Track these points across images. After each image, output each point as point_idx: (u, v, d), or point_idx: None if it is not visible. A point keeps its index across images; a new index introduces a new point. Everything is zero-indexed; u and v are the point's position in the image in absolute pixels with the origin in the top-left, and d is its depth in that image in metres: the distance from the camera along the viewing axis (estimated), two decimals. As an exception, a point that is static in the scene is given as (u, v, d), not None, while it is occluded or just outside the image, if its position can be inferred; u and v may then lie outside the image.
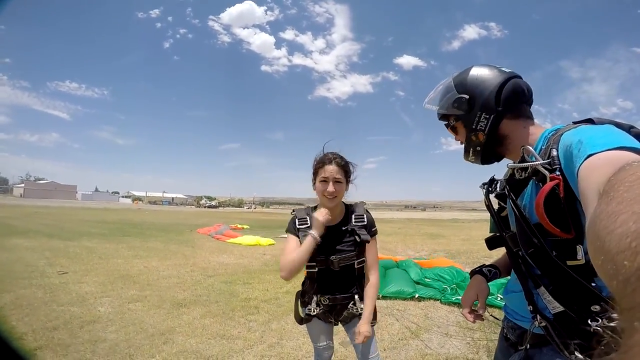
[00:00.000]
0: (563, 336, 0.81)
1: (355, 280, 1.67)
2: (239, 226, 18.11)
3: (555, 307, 0.82)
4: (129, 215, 25.26)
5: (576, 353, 0.78)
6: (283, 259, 1.57)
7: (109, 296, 4.44)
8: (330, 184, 1.57)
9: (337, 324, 1.77)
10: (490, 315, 3.63)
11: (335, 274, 1.64)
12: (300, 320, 1.75)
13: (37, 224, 14.00)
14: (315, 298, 1.67)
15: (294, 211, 1.75)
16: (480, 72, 1.01)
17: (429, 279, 5.04)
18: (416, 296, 4.51)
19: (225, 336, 3.30)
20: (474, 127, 1.00)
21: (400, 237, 14.13)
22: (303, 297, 1.74)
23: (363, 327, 1.57)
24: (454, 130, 1.10)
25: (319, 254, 1.60)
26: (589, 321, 0.75)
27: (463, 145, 1.08)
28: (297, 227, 1.64)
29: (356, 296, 1.66)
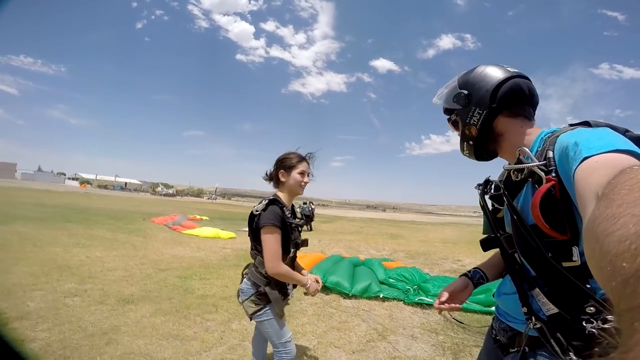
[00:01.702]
0: (558, 338, 0.81)
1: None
2: (198, 217, 17.32)
3: (549, 308, 0.83)
4: (74, 199, 23.22)
5: (571, 355, 0.78)
6: (273, 256, 1.70)
7: (42, 289, 3.91)
8: (306, 175, 1.90)
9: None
10: (453, 318, 3.62)
11: (293, 260, 1.93)
12: (282, 315, 1.85)
13: (-40, 203, 12.29)
14: (290, 286, 1.91)
15: (274, 202, 1.78)
16: (483, 70, 1.02)
17: (392, 279, 5.07)
18: (381, 296, 4.49)
19: (179, 337, 3.00)
20: (467, 121, 1.03)
21: (362, 236, 14.34)
22: (286, 287, 1.88)
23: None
24: (455, 125, 1.11)
25: (296, 240, 1.87)
26: (583, 323, 0.75)
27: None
28: (287, 215, 1.80)
29: None
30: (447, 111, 1.13)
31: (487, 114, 0.98)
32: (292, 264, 1.92)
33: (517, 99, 0.98)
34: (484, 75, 1.00)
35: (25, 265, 4.86)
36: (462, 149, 1.10)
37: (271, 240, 1.68)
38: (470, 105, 1.01)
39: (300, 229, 1.92)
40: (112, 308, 3.54)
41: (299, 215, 2.02)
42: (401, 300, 4.44)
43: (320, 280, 1.99)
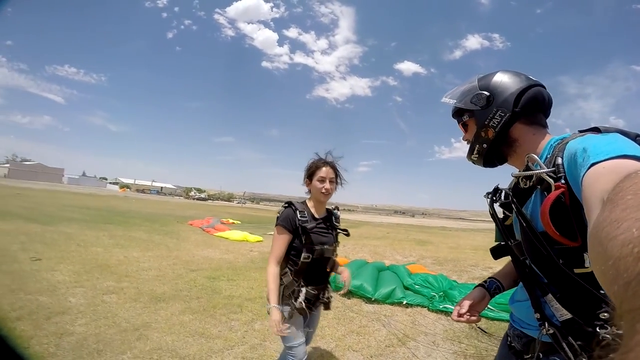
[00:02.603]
0: (571, 343, 0.80)
1: (328, 271, 1.92)
2: (230, 221, 17.81)
3: (563, 314, 0.83)
4: (115, 202, 24.66)
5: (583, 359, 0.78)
6: (272, 255, 1.78)
7: (83, 286, 4.20)
8: (327, 182, 1.84)
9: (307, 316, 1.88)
10: (478, 327, 3.51)
11: (320, 265, 1.83)
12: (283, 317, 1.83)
13: (17, 206, 13.46)
14: (304, 290, 1.78)
15: (289, 205, 1.83)
16: (506, 75, 1.02)
17: (417, 285, 4.95)
18: (404, 302, 4.41)
19: (204, 335, 3.12)
20: (486, 122, 1.00)
21: (389, 241, 14.08)
22: (289, 291, 1.78)
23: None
24: (464, 127, 1.10)
25: (315, 244, 1.77)
26: (597, 329, 0.74)
27: (469, 143, 1.08)
28: (299, 218, 1.77)
29: (329, 285, 1.96)
30: (459, 112, 1.11)
31: (509, 118, 0.97)
32: (316, 269, 1.83)
33: (537, 107, 0.98)
34: (508, 79, 1.00)
35: (69, 264, 5.23)
36: (471, 152, 1.08)
37: (275, 240, 1.78)
38: (491, 106, 1.00)
39: (328, 234, 1.86)
40: (145, 305, 3.75)
41: (334, 223, 1.93)
42: (425, 307, 4.33)
43: (346, 283, 1.98)
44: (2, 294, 3.63)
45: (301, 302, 1.75)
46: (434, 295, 4.53)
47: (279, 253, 1.76)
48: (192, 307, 3.82)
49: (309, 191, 1.91)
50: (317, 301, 1.88)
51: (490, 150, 1.03)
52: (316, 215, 1.86)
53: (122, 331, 3.04)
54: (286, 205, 1.84)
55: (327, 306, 1.94)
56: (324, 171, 1.84)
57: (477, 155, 1.07)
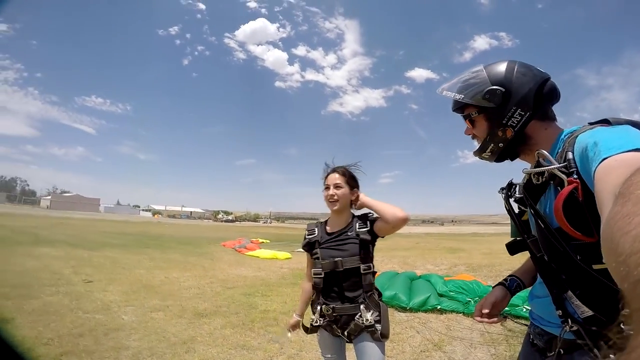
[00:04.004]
0: (596, 340, 0.77)
1: (361, 289, 1.62)
2: (260, 240, 18.18)
3: (584, 311, 0.80)
4: (149, 228, 25.82)
5: (611, 356, 0.77)
6: (305, 277, 1.86)
7: (132, 305, 4.53)
8: (331, 188, 1.70)
9: (348, 340, 1.66)
10: (515, 321, 3.42)
11: (341, 280, 1.62)
12: (306, 330, 1.78)
13: (62, 234, 14.47)
14: (319, 308, 1.66)
15: (308, 224, 1.89)
16: (518, 68, 0.96)
17: (452, 292, 4.90)
18: (438, 308, 4.39)
19: (245, 347, 3.29)
20: (504, 122, 0.95)
21: (419, 251, 13.84)
22: (312, 305, 1.75)
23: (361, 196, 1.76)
24: (471, 122, 1.04)
25: (324, 257, 1.65)
26: (621, 325, 0.74)
27: (480, 140, 1.03)
28: (306, 237, 1.78)
29: (362, 306, 1.58)
30: (464, 108, 1.05)
31: (528, 117, 0.93)
32: (334, 284, 1.65)
33: (551, 101, 0.97)
34: (522, 74, 0.95)
35: (118, 285, 5.64)
36: (482, 150, 1.03)
37: (307, 260, 1.83)
38: (508, 104, 0.94)
39: (343, 246, 1.65)
40: (189, 321, 3.99)
41: (357, 229, 1.66)
42: (460, 313, 4.30)
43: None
44: (63, 313, 3.99)
45: (317, 320, 1.67)
46: (469, 301, 4.48)
47: (307, 271, 1.82)
48: (232, 322, 4.02)
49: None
50: (345, 323, 1.61)
51: (506, 149, 0.99)
52: (329, 229, 1.75)
53: (172, 345, 3.26)
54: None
55: (373, 334, 1.57)
56: (329, 178, 1.76)
57: (489, 154, 1.02)
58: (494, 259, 10.26)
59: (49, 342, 3.11)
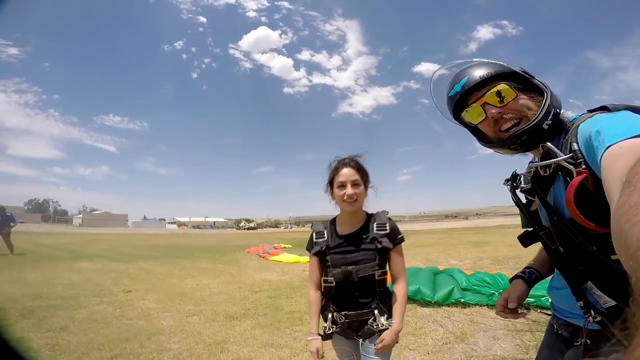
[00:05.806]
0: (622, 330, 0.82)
1: (374, 294, 1.54)
2: (282, 246, 18.50)
3: (606, 301, 0.78)
4: (177, 239, 26.64)
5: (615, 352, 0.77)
6: (309, 280, 1.67)
7: (170, 311, 4.85)
8: (349, 186, 1.50)
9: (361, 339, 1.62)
10: (540, 312, 3.33)
11: (354, 287, 1.52)
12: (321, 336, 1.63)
13: (97, 249, 15.30)
14: (330, 315, 1.56)
15: (312, 225, 1.69)
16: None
17: (475, 285, 4.93)
18: (462, 301, 4.45)
19: (274, 345, 3.51)
20: (554, 110, 0.89)
21: (442, 247, 13.66)
22: (323, 312, 1.63)
23: (389, 335, 1.47)
24: (500, 97, 0.90)
25: (335, 265, 1.53)
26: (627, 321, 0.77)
27: (518, 117, 0.91)
28: (314, 241, 1.61)
29: (376, 311, 1.52)
30: (488, 80, 0.92)
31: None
32: (347, 293, 1.55)
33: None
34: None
35: (154, 293, 6.02)
36: (525, 133, 0.89)
37: (309, 263, 1.67)
38: (547, 92, 0.91)
39: (359, 251, 1.54)
40: (222, 324, 4.26)
41: (374, 232, 1.54)
42: (484, 306, 4.34)
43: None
44: (110, 320, 4.35)
45: (329, 327, 1.58)
46: (493, 293, 4.50)
47: (312, 277, 1.64)
48: (261, 323, 4.26)
49: (336, 202, 1.60)
50: (358, 328, 1.56)
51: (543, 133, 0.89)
52: (340, 231, 1.59)
53: (208, 346, 3.52)
54: (311, 225, 1.69)
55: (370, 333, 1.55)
56: (343, 174, 1.53)
57: (524, 138, 0.89)
58: (520, 251, 9.93)
59: (100, 346, 3.44)
